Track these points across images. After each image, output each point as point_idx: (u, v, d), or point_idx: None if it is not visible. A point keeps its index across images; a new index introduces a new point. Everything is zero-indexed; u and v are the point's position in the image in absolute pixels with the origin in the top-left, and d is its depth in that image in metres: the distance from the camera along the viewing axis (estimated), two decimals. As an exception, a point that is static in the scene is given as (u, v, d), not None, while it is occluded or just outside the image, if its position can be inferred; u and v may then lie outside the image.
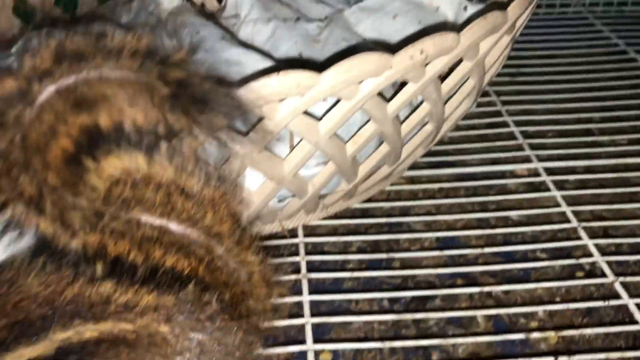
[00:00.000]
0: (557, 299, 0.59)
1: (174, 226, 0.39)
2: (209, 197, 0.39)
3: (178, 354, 0.38)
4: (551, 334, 0.54)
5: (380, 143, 0.53)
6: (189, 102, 0.35)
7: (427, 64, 0.46)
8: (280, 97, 0.42)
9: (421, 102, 0.52)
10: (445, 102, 0.54)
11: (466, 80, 0.54)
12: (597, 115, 0.83)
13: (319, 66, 0.42)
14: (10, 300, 0.37)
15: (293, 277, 0.57)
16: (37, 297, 0.37)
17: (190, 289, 0.38)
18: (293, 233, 0.62)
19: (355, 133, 0.50)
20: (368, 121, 0.49)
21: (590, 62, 0.93)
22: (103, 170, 0.37)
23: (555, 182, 0.70)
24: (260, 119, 0.42)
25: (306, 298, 0.55)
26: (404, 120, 0.52)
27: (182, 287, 0.38)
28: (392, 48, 0.45)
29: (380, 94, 0.47)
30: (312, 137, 0.46)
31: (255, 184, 0.50)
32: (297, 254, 0.60)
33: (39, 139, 0.35)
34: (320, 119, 0.46)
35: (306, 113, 0.45)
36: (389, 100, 0.48)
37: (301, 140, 0.47)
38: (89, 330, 0.37)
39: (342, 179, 0.55)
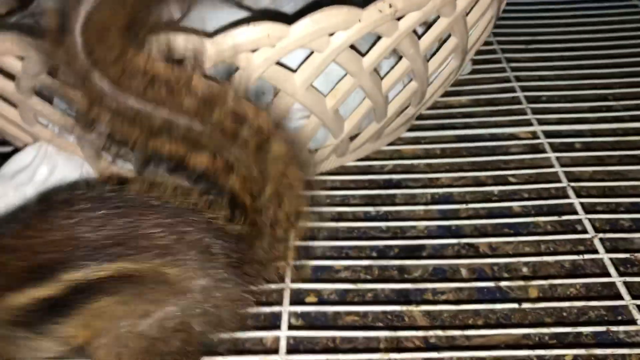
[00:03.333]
0: (539, 252, 0.61)
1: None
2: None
3: (180, 294, 0.43)
4: (520, 282, 0.57)
5: (366, 99, 0.56)
6: None
7: (399, 19, 0.48)
8: (252, 48, 0.45)
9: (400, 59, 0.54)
10: (428, 60, 0.56)
11: (447, 38, 0.55)
12: (616, 81, 0.83)
13: (291, 19, 0.45)
14: (26, 245, 0.41)
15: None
16: (49, 241, 0.41)
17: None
18: (287, 186, 0.66)
19: (334, 87, 0.52)
20: (345, 75, 0.52)
21: (617, 30, 0.92)
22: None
23: (552, 145, 0.71)
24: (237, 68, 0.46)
25: (291, 243, 0.58)
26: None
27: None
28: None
29: (354, 48, 0.50)
30: (288, 88, 0.49)
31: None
32: (284, 203, 0.64)
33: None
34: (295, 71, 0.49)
35: (283, 66, 0.48)
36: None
37: (279, 91, 0.50)
38: (97, 272, 0.40)
39: (329, 133, 0.57)
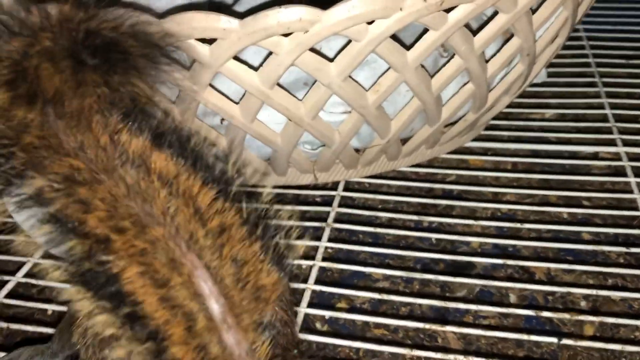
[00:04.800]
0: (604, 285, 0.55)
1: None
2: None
3: None
4: (575, 317, 0.50)
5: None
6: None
7: (448, 11, 0.44)
8: (283, 31, 0.43)
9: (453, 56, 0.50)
10: (487, 61, 0.52)
11: (509, 39, 0.51)
12: None
13: (328, 4, 0.43)
14: None
15: (316, 224, 0.58)
16: None
17: None
18: (334, 187, 0.63)
19: (376, 82, 0.49)
20: (389, 69, 0.48)
21: None
22: None
23: (635, 169, 0.63)
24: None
25: (322, 244, 0.56)
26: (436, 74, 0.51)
27: None
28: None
29: (399, 41, 0.46)
30: (324, 77, 0.46)
31: (278, 127, 0.52)
32: (330, 204, 0.61)
33: None
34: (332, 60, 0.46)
35: (320, 54, 0.46)
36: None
37: (315, 81, 0.47)
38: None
39: (375, 132, 0.54)
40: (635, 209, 0.59)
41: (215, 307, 0.32)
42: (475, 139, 0.70)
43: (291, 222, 0.38)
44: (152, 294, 0.32)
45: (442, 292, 0.56)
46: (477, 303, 0.54)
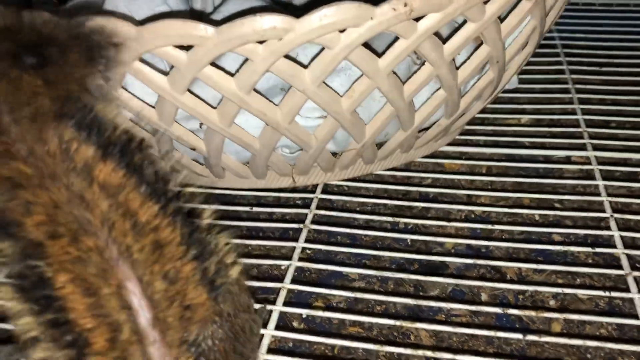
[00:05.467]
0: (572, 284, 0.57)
1: None
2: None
3: None
4: (544, 314, 0.52)
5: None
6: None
7: (418, 19, 0.46)
8: (258, 39, 0.44)
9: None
10: (458, 68, 0.54)
11: (477, 48, 0.53)
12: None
13: (302, 12, 0.45)
14: None
15: (294, 225, 0.60)
16: None
17: None
18: (313, 189, 0.65)
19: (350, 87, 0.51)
20: (362, 76, 0.50)
21: None
22: None
23: (603, 172, 0.66)
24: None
25: (300, 244, 0.57)
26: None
27: None
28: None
29: (373, 49, 0.48)
30: (298, 84, 0.48)
31: (257, 131, 0.53)
32: (309, 207, 0.63)
33: None
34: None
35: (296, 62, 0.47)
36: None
37: (290, 87, 0.49)
38: None
39: (350, 136, 0.56)
40: (603, 210, 0.60)
41: (142, 320, 0.33)
42: (451, 144, 0.72)
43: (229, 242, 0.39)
44: (80, 301, 0.33)
45: (416, 291, 0.57)
46: (450, 301, 0.55)
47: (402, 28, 0.46)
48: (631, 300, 0.52)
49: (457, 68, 0.53)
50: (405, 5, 0.44)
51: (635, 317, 0.50)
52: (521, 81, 0.83)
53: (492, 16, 0.49)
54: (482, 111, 0.75)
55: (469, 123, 0.75)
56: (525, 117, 0.79)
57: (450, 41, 0.50)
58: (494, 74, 0.56)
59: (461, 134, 0.74)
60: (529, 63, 0.85)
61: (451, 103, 0.56)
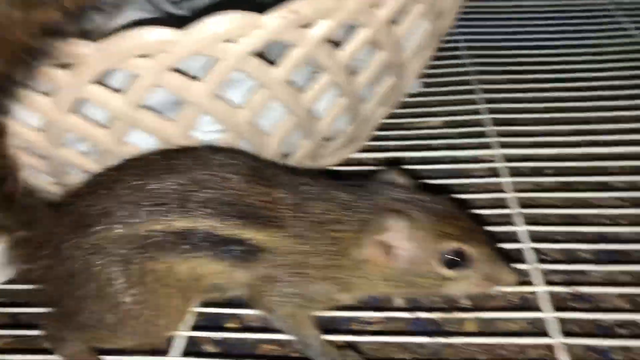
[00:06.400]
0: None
1: None
2: None
3: None
4: (457, 315, 0.53)
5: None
6: None
7: (305, 26, 0.46)
8: (142, 53, 0.43)
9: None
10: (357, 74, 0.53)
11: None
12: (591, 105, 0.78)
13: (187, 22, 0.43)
14: None
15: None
16: None
17: None
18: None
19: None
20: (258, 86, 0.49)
21: (602, 53, 0.88)
22: None
23: (509, 169, 0.67)
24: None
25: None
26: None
27: None
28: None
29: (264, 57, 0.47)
30: (191, 97, 0.46)
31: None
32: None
33: None
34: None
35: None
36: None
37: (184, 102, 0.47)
38: None
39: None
40: (508, 207, 0.61)
41: None
42: (363, 150, 0.72)
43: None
44: None
45: (331, 302, 0.56)
46: (364, 310, 0.54)
47: (293, 36, 0.45)
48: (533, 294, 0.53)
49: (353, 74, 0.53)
50: (293, 13, 0.43)
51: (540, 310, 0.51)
52: (429, 84, 0.84)
53: (384, 21, 0.48)
54: (392, 116, 0.76)
55: (380, 129, 0.75)
56: (434, 120, 0.80)
57: (344, 47, 0.49)
58: (393, 79, 0.56)
59: (373, 139, 0.74)
60: (436, 66, 0.86)
61: (352, 109, 0.56)
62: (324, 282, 0.46)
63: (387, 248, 0.45)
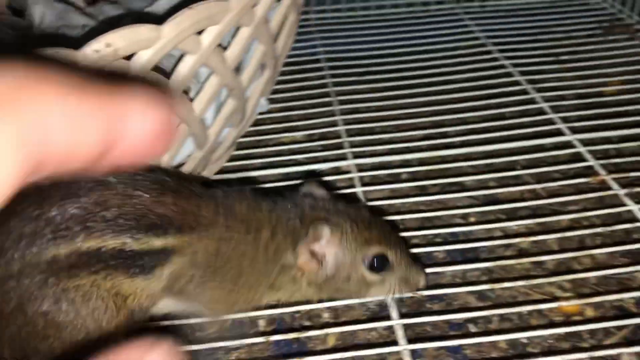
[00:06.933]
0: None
1: None
2: None
3: None
4: (319, 331, 0.52)
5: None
6: None
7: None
8: None
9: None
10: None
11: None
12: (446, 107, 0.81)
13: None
14: None
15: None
16: None
17: None
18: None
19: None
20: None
21: (453, 56, 0.92)
22: None
23: (362, 179, 0.69)
24: None
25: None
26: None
27: None
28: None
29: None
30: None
31: None
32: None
33: None
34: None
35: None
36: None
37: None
38: None
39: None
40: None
41: None
42: (224, 171, 0.71)
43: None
44: None
45: (192, 332, 0.55)
46: (226, 338, 0.53)
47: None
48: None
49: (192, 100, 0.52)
50: (108, 45, 0.42)
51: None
52: (293, 98, 0.84)
53: (210, 45, 0.48)
54: (257, 133, 0.76)
55: (243, 147, 0.74)
56: (299, 134, 0.80)
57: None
58: (235, 101, 0.56)
59: (235, 159, 0.73)
60: (299, 80, 0.87)
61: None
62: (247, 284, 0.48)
63: (317, 255, 0.48)
